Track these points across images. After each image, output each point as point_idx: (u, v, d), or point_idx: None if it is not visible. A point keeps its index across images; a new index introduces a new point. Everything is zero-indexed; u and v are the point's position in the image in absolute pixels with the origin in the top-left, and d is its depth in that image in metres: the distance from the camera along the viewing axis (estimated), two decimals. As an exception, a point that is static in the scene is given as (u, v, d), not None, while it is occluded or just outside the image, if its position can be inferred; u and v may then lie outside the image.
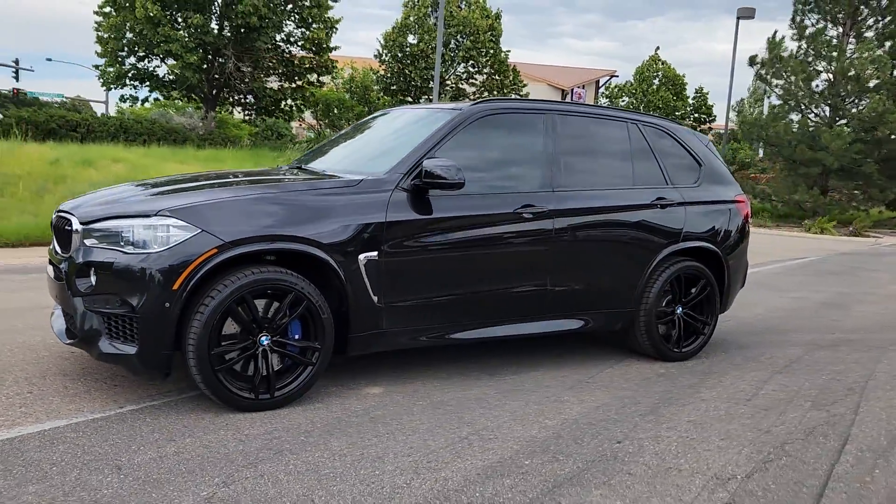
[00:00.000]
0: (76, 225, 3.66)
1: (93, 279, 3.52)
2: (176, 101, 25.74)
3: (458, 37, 27.93)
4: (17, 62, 43.01)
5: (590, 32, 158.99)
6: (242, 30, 21.41)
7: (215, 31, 21.09)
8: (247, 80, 22.35)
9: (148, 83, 22.56)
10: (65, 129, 18.11)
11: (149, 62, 22.17)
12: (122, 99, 23.75)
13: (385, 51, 28.63)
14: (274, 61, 23.62)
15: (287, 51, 23.80)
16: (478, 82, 29.52)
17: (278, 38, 22.97)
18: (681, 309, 5.14)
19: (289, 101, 24.98)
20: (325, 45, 23.91)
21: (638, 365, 4.99)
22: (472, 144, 4.47)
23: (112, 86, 22.60)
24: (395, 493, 2.84)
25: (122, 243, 3.49)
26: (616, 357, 5.15)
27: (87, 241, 3.58)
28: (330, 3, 23.43)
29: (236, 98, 24.17)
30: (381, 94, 28.14)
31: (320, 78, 25.44)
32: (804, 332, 6.48)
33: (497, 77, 29.30)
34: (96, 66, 22.43)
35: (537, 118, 4.71)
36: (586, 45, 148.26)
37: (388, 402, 3.92)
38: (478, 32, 27.58)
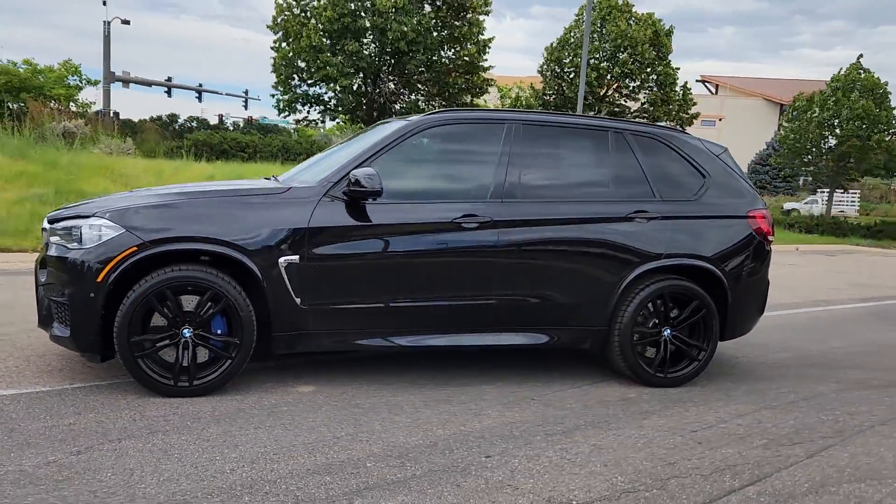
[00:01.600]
0: (45, 223, 4.27)
1: (48, 271, 4.09)
2: (339, 124, 27.77)
3: (617, 52, 27.26)
4: (246, 92, 47.51)
5: (832, 41, 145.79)
6: (397, 54, 22.65)
7: (369, 57, 22.52)
8: (401, 101, 23.55)
9: (315, 107, 24.62)
10: (235, 149, 20.35)
11: (316, 88, 24.20)
12: (298, 122, 26.11)
13: (546, 66, 28.69)
14: (428, 83, 24.65)
15: (441, 72, 24.74)
16: (641, 98, 28.59)
17: (432, 59, 23.94)
18: (669, 331, 4.75)
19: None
20: (478, 65, 24.53)
21: (611, 387, 4.68)
22: (419, 155, 4.54)
23: (286, 111, 24.96)
24: (213, 476, 3.01)
25: (70, 240, 4.02)
26: (598, 377, 4.87)
27: (51, 238, 4.15)
28: (481, 19, 23.97)
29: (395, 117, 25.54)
30: (534, 106, 28.18)
31: (474, 99, 26.09)
32: (851, 370, 5.64)
33: (662, 93, 28.16)
34: (272, 95, 24.96)
35: (496, 128, 4.64)
36: (826, 55, 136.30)
37: (305, 400, 4.07)
38: (635, 45, 26.73)
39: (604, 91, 28.40)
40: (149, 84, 32.90)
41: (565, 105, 28.44)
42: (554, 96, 28.57)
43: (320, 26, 21.61)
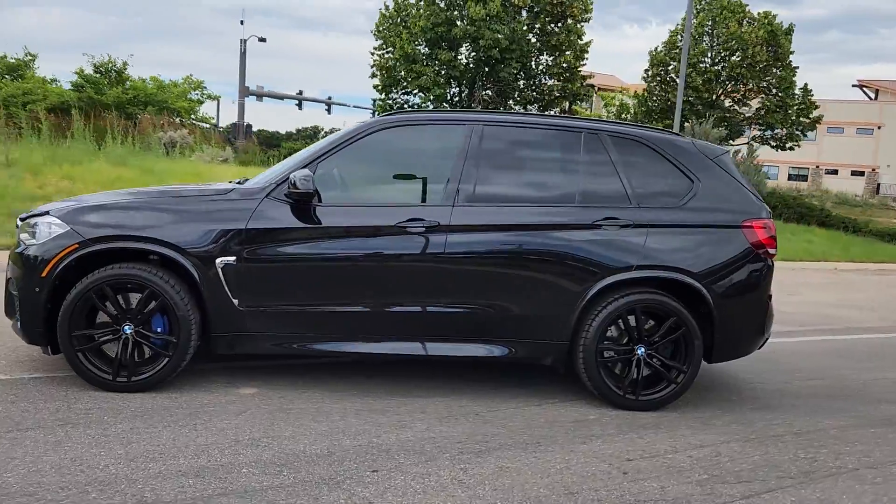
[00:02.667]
0: (18, 220, 4.51)
1: (10, 265, 4.32)
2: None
3: (727, 55, 25.77)
4: (374, 103, 48.56)
5: None
6: (491, 62, 22.57)
7: (463, 66, 22.57)
8: (492, 108, 23.40)
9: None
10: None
11: (412, 97, 24.57)
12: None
13: (651, 71, 27.62)
14: (524, 91, 24.38)
15: (538, 79, 24.41)
16: (755, 104, 26.85)
17: (527, 66, 23.67)
18: (643, 350, 4.35)
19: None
20: (576, 72, 23.99)
21: (575, 407, 4.33)
22: (370, 156, 4.42)
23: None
24: (81, 471, 3.02)
25: (29, 236, 4.22)
26: (574, 396, 4.52)
27: (20, 235, 4.39)
28: (580, 26, 23.43)
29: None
30: (643, 116, 27.18)
31: (572, 106, 25.52)
32: (884, 405, 4.90)
33: (779, 97, 26.30)
34: (374, 101, 25.57)
35: (456, 130, 4.44)
36: None
37: (237, 402, 4.04)
38: (747, 47, 25.14)
39: (713, 96, 26.92)
40: (281, 97, 34.37)
41: (670, 109, 27.20)
42: (658, 103, 27.43)
43: (415, 35, 21.93)
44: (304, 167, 4.23)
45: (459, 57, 22.73)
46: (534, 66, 23.78)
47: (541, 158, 4.56)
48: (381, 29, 23.67)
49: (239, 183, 4.81)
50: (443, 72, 22.32)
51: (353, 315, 4.23)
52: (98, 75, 25.62)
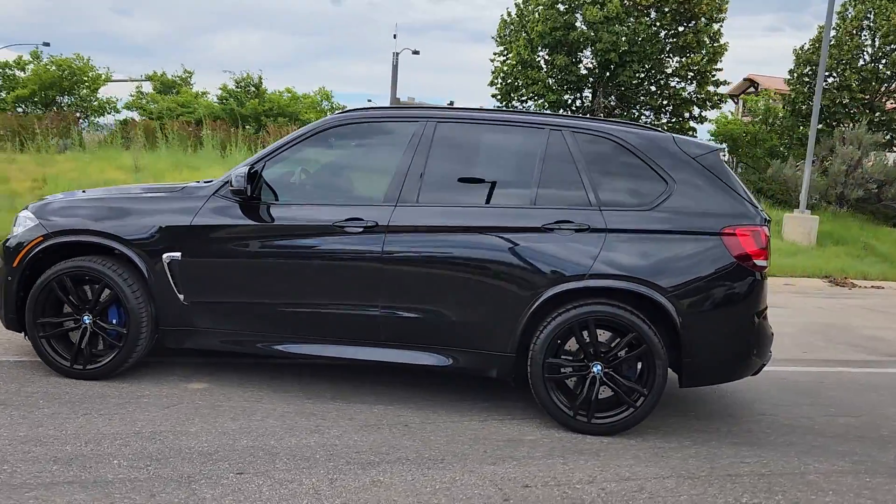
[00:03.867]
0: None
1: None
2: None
3: (889, 50, 23.01)
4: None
5: None
6: (611, 66, 21.70)
7: (580, 71, 21.85)
8: (622, 116, 22.46)
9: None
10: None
11: (528, 104, 24.17)
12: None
13: (796, 70, 25.22)
14: (649, 96, 23.20)
15: (664, 84, 23.10)
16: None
17: (651, 70, 22.50)
18: (599, 367, 3.93)
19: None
20: (708, 75, 22.47)
21: (524, 426, 3.99)
22: (321, 154, 4.36)
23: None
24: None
25: (12, 229, 4.56)
26: (534, 413, 4.19)
27: (12, 227, 4.75)
28: (716, 27, 21.88)
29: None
30: (787, 117, 24.88)
31: (703, 112, 23.91)
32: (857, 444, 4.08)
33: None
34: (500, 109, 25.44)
35: (407, 127, 4.26)
36: None
37: (173, 395, 4.09)
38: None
39: (873, 97, 24.16)
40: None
41: (824, 114, 24.74)
42: (804, 104, 25.00)
43: (533, 41, 21.57)
44: (252, 165, 4.23)
45: (582, 62, 22.04)
46: (659, 70, 22.49)
47: (496, 156, 4.27)
48: (501, 35, 23.57)
49: None
50: (559, 77, 21.76)
51: (292, 316, 4.17)
52: (239, 90, 27.65)
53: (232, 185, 4.06)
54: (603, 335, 3.98)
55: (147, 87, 31.70)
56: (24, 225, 4.39)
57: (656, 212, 3.97)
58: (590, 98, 23.31)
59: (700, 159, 4.09)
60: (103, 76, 27.53)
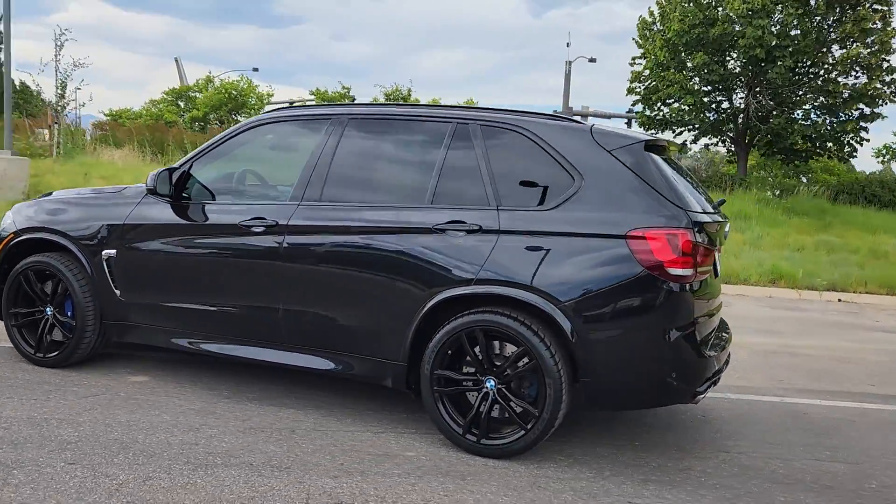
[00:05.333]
0: None
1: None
2: (712, 147, 25.22)
3: None
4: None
5: None
6: (755, 62, 19.81)
7: (722, 70, 20.13)
8: (764, 116, 20.44)
9: (669, 129, 23.05)
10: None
11: (663, 108, 22.70)
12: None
13: None
14: (804, 92, 20.86)
15: (826, 78, 20.64)
16: None
17: (808, 64, 20.22)
18: (492, 383, 3.58)
19: (843, 141, 21.34)
20: (876, 69, 19.79)
21: (407, 442, 3.74)
22: (242, 155, 4.40)
23: (650, 131, 23.97)
24: None
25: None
26: (434, 430, 3.92)
27: None
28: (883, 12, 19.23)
29: (765, 139, 22.14)
30: None
31: (872, 109, 21.05)
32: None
33: None
34: (636, 113, 24.20)
35: (320, 125, 4.17)
36: None
37: (107, 385, 4.30)
38: None
39: None
40: (608, 116, 34.54)
41: None
42: None
43: (669, 40, 20.29)
44: (178, 166, 4.36)
45: (728, 60, 20.36)
46: (817, 64, 20.13)
47: (401, 153, 4.05)
48: (642, 36, 22.41)
49: None
50: (701, 78, 20.23)
51: (207, 315, 4.23)
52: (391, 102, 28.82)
53: (148, 185, 4.21)
54: (510, 349, 3.63)
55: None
56: (5, 223, 4.85)
57: (558, 212, 3.55)
58: (731, 99, 21.50)
59: (617, 152, 3.59)
60: (265, 96, 30.02)
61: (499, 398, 3.57)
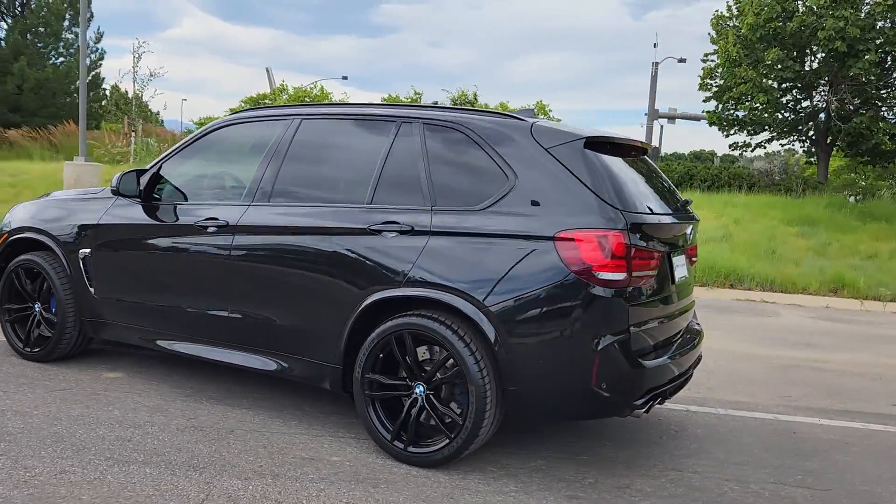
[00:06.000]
0: None
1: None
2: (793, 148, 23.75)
3: None
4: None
5: None
6: (836, 57, 18.52)
7: (799, 66, 18.92)
8: (846, 115, 19.08)
9: (745, 129, 21.91)
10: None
11: (734, 106, 21.57)
12: (735, 146, 23.67)
13: None
14: (886, 90, 19.36)
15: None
16: None
17: (889, 58, 18.72)
18: (422, 389, 3.47)
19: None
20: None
21: (340, 447, 3.67)
22: (208, 156, 4.47)
23: (726, 132, 22.88)
24: None
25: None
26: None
27: None
28: None
29: (847, 139, 20.64)
30: None
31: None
32: None
33: None
34: (708, 112, 23.14)
35: (274, 125, 4.17)
36: None
37: (80, 381, 4.44)
38: None
39: None
40: (697, 119, 33.61)
41: None
42: None
43: (743, 36, 19.30)
44: (148, 167, 4.46)
45: (806, 57, 19.13)
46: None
47: (347, 153, 3.99)
48: (717, 31, 21.42)
49: None
50: (776, 75, 19.09)
51: (165, 312, 4.31)
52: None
53: (111, 186, 4.33)
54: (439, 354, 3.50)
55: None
56: (4, 221, 5.11)
57: (489, 211, 3.40)
58: (814, 97, 20.22)
59: (554, 150, 3.41)
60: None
61: (426, 405, 3.45)
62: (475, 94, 29.24)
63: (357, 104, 4.15)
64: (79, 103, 15.34)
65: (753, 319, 8.45)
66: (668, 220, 3.66)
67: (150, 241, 4.35)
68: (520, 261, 3.28)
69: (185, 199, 4.39)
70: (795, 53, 19.21)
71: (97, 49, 36.79)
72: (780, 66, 18.89)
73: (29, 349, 4.84)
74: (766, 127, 21.22)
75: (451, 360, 3.34)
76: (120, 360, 4.95)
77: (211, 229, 4.07)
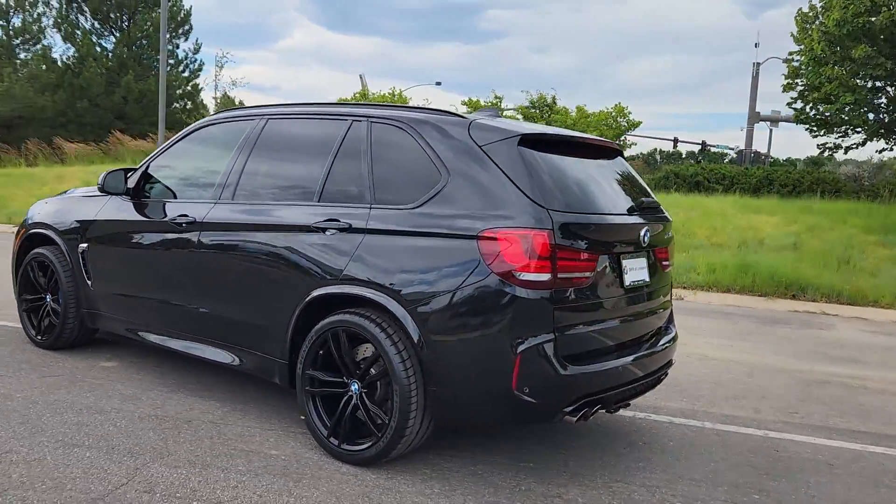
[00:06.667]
0: None
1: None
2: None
3: None
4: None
5: None
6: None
7: (888, 65, 17.50)
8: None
9: (832, 131, 20.52)
10: (710, 181, 19.10)
11: (818, 107, 20.20)
12: (824, 149, 22.18)
13: None
14: None
15: None
16: None
17: None
18: (356, 386, 3.48)
19: None
20: None
21: (287, 442, 3.71)
22: (185, 156, 4.63)
23: (815, 134, 21.54)
24: None
25: (33, 224, 5.67)
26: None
27: None
28: None
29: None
30: None
31: None
32: None
33: None
34: (795, 111, 21.82)
35: (245, 126, 4.27)
36: None
37: (76, 369, 4.70)
38: None
39: None
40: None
41: None
42: None
43: (828, 32, 18.11)
44: (138, 166, 4.68)
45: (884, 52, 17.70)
46: None
47: (303, 151, 4.03)
48: (801, 29, 20.20)
49: None
50: (865, 73, 17.76)
51: (145, 304, 4.50)
52: (534, 109, 28.55)
53: (98, 183, 4.57)
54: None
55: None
56: (27, 216, 5.48)
57: (420, 210, 3.37)
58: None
59: (487, 148, 3.34)
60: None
61: (360, 403, 3.44)
62: (554, 98, 28.90)
63: (319, 104, 4.19)
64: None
65: (802, 332, 7.92)
66: (617, 220, 3.50)
67: (132, 237, 4.56)
68: (444, 260, 3.22)
69: (165, 197, 4.57)
70: (886, 50, 17.86)
71: (195, 60, 39.04)
72: (869, 64, 17.62)
73: (40, 337, 5.17)
74: (856, 128, 19.85)
75: (377, 357, 3.32)
76: (119, 350, 5.19)
77: (182, 225, 4.22)
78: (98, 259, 4.76)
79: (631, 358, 3.51)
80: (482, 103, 34.48)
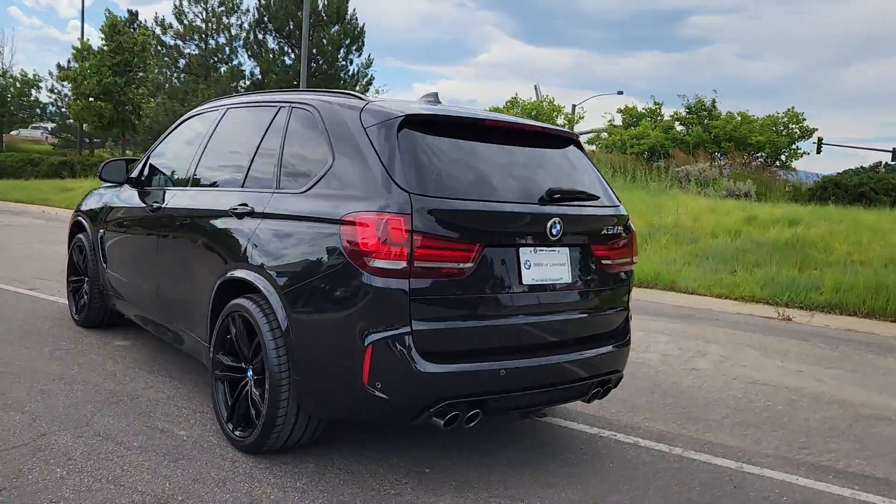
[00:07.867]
0: None
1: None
2: None
3: None
4: None
5: None
6: None
7: None
8: None
9: None
10: (877, 192, 16.79)
11: None
12: None
13: None
14: None
15: None
16: None
17: None
18: (251, 372, 3.46)
19: None
20: None
21: (212, 432, 3.77)
22: (179, 144, 4.87)
23: None
24: None
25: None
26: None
27: None
28: None
29: None
30: None
31: None
32: None
33: None
34: None
35: (212, 115, 4.44)
36: None
37: (92, 346, 5.09)
38: None
39: None
40: None
41: None
42: None
43: None
44: (145, 154, 5.03)
45: None
46: None
47: (241, 139, 4.07)
48: None
49: None
50: None
51: (131, 285, 4.82)
52: (691, 116, 26.76)
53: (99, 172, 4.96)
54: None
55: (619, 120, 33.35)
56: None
57: (305, 194, 3.31)
58: None
59: (370, 130, 3.18)
60: (575, 114, 30.48)
61: (250, 389, 3.42)
62: (713, 101, 27.01)
63: (264, 92, 4.26)
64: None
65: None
66: (512, 208, 3.16)
67: (124, 223, 4.94)
68: (313, 245, 3.12)
69: (155, 185, 4.85)
70: None
71: (367, 74, 41.41)
72: None
73: (76, 315, 5.70)
74: None
75: (260, 347, 3.28)
76: (138, 333, 5.56)
77: (153, 211, 4.47)
78: (108, 243, 5.16)
79: (526, 362, 3.15)
80: (639, 110, 33.17)
